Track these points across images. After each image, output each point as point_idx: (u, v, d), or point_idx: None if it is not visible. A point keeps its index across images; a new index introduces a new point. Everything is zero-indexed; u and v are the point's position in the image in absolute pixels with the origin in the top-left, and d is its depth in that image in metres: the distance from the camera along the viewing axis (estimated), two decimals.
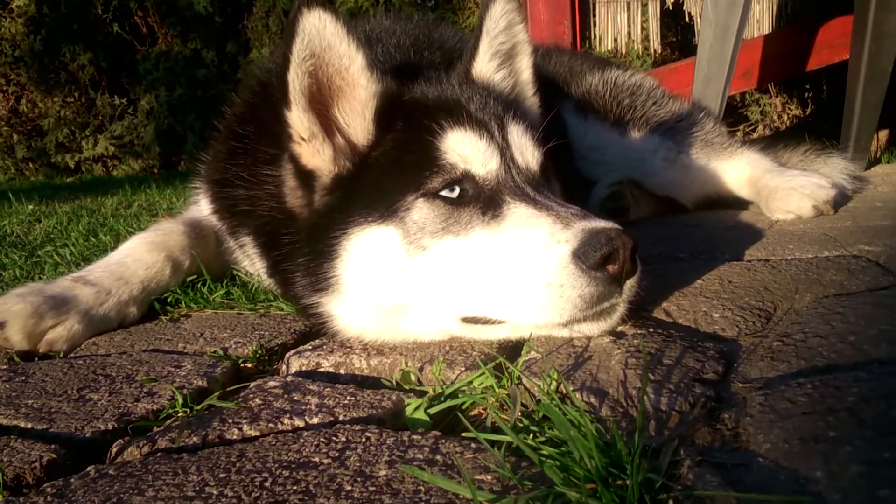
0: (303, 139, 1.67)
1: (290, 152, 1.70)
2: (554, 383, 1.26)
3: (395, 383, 1.49)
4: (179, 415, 1.42)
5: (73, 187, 8.36)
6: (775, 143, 5.80)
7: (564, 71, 3.55)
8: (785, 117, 8.29)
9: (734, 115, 8.05)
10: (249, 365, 1.73)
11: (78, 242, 3.40)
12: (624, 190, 3.19)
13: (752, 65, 5.59)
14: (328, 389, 1.48)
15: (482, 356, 1.55)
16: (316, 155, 1.68)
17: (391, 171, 1.63)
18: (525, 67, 1.97)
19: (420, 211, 1.58)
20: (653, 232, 2.92)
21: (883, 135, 5.81)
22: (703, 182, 3.24)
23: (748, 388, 1.18)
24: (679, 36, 7.56)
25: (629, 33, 7.23)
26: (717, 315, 1.62)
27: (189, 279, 2.31)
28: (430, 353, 1.61)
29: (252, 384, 1.55)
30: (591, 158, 3.28)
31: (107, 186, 7.98)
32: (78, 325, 2.01)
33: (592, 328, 1.49)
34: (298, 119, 1.65)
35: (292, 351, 1.75)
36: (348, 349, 1.70)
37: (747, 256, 2.25)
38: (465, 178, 1.59)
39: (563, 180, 2.93)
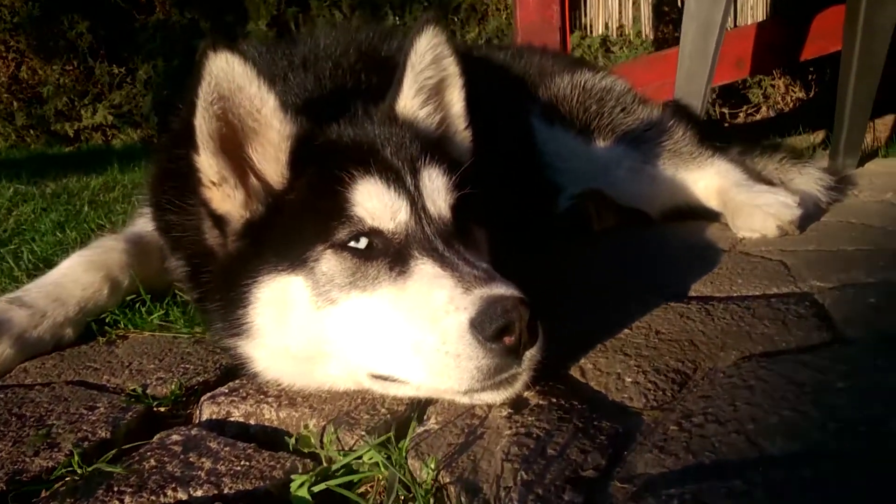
0: (213, 183, 1.64)
1: (200, 196, 1.67)
2: (432, 473, 1.24)
3: (293, 445, 1.48)
4: (67, 480, 1.40)
5: (69, 158, 8.33)
6: (777, 127, 5.71)
7: (534, 72, 3.47)
8: (788, 99, 8.14)
9: (736, 97, 7.92)
10: (163, 409, 1.72)
11: (44, 239, 3.38)
12: (586, 204, 3.14)
13: (745, 53, 5.47)
14: (227, 449, 1.47)
15: (389, 414, 1.54)
16: (227, 200, 1.65)
17: (301, 219, 1.61)
18: (456, 100, 1.91)
19: (328, 262, 1.56)
20: (609, 251, 2.87)
21: (889, 121, 5.68)
22: (670, 193, 3.18)
23: (625, 491, 1.15)
24: (673, 24, 7.41)
25: (620, 18, 7.10)
26: (629, 380, 1.58)
27: (129, 298, 2.30)
28: (339, 406, 1.60)
29: (155, 438, 1.54)
30: (556, 166, 3.22)
31: (101, 159, 7.89)
32: (10, 350, 2.00)
33: (493, 397, 1.46)
34: (207, 164, 1.63)
35: (207, 395, 1.73)
36: (262, 396, 1.69)
37: (692, 291, 2.20)
38: (373, 231, 1.56)
39: (522, 191, 2.91)
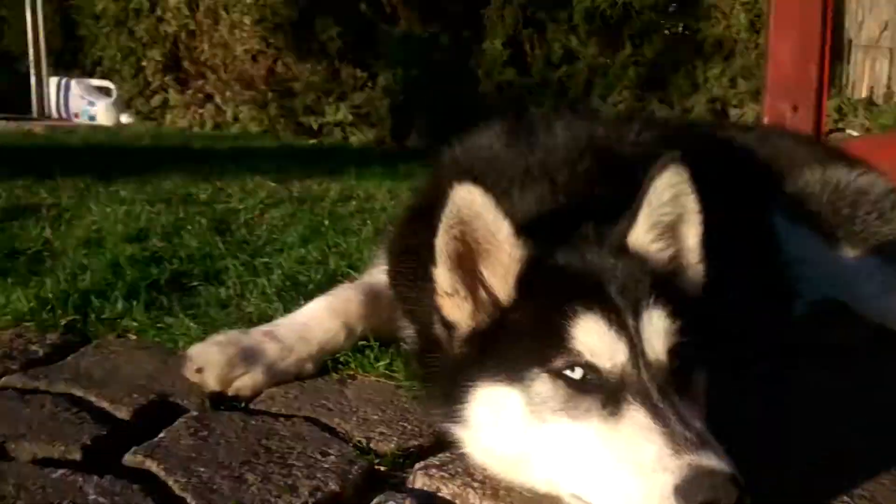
0: (447, 293, 1.85)
1: (435, 302, 1.88)
2: None
3: None
4: None
5: (311, 153, 9.05)
6: None
7: (782, 160, 3.35)
8: None
9: None
10: (383, 468, 1.95)
11: (290, 253, 3.77)
12: (827, 314, 3.01)
13: None
14: None
15: None
16: (456, 309, 1.85)
17: (522, 340, 1.76)
18: (691, 235, 1.96)
19: (544, 385, 1.68)
20: (855, 385, 2.70)
21: None
22: None
23: None
24: None
25: (890, 83, 6.62)
26: None
27: (360, 343, 2.58)
28: None
29: (374, 501, 1.76)
30: (794, 271, 3.11)
31: (340, 157, 8.55)
32: (262, 377, 2.34)
33: None
34: (443, 277, 1.84)
35: (421, 465, 1.92)
36: (469, 479, 1.86)
37: None
38: (590, 366, 1.66)
39: (754, 292, 2.82)
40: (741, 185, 3.12)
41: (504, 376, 1.75)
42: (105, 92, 11.33)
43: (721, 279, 2.49)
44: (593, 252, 1.86)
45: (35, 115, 11.17)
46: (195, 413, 2.16)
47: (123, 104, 11.29)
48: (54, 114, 11.29)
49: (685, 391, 1.69)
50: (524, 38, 10.94)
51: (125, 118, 11.15)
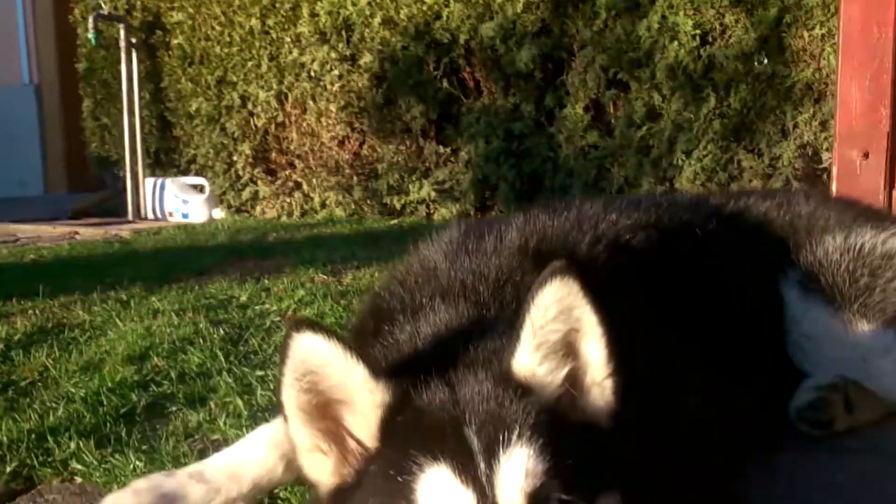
0: (306, 450, 1.69)
1: (297, 460, 1.73)
2: None
3: None
4: None
5: (391, 235, 9.05)
6: None
7: (801, 228, 2.99)
8: None
9: None
10: None
11: None
12: (832, 398, 2.62)
13: None
14: None
15: None
16: (317, 466, 1.68)
17: (375, 499, 1.57)
18: (593, 349, 1.70)
19: None
20: (844, 466, 2.35)
21: None
22: None
23: None
24: None
25: None
26: None
27: None
28: None
29: None
30: (804, 348, 2.76)
31: (420, 232, 8.49)
32: None
33: None
34: (297, 433, 1.68)
35: None
36: None
37: None
38: None
39: (753, 377, 2.51)
40: (746, 262, 2.79)
41: None
42: (199, 189, 11.80)
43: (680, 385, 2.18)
44: (467, 385, 1.62)
45: (131, 217, 11.71)
46: None
47: (216, 199, 11.69)
48: (150, 215, 11.81)
49: None
50: (606, 100, 10.65)
51: (217, 213, 11.54)
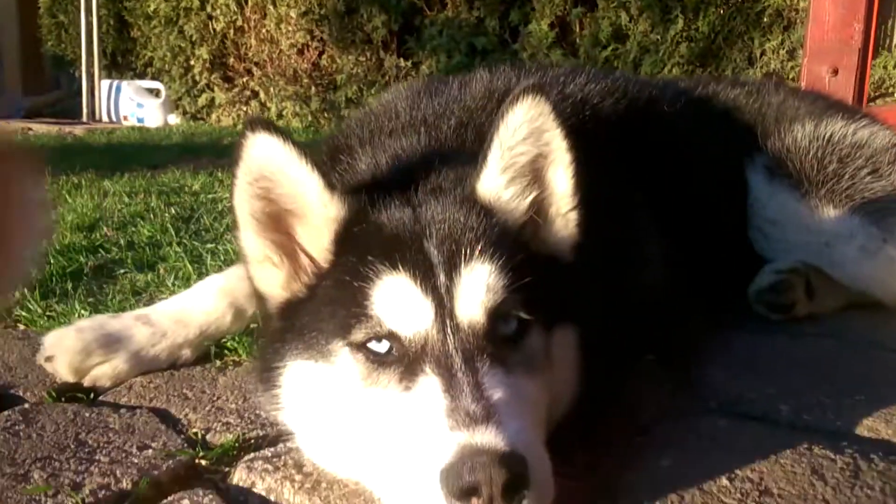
0: (256, 261, 1.61)
1: (247, 271, 1.64)
2: None
3: None
4: None
5: None
6: None
7: (770, 116, 2.95)
8: None
9: None
10: (205, 463, 1.68)
11: None
12: (794, 281, 2.60)
13: None
14: None
15: None
16: (268, 279, 1.61)
17: (328, 310, 1.51)
18: (560, 179, 1.64)
19: (345, 361, 1.45)
20: (784, 346, 2.36)
21: None
22: None
23: None
24: None
25: None
26: None
27: (254, 325, 2.32)
28: None
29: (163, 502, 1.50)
30: (767, 233, 2.72)
31: None
32: (124, 365, 2.11)
33: None
34: (249, 242, 1.60)
35: (250, 456, 1.68)
36: (293, 472, 1.61)
37: (864, 429, 1.74)
38: (392, 336, 1.40)
39: (711, 261, 2.50)
40: (711, 146, 2.76)
41: (312, 352, 1.51)
42: (155, 93, 11.45)
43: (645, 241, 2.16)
44: (429, 204, 1.57)
45: (85, 119, 11.34)
46: (27, 405, 1.94)
47: (172, 105, 11.37)
48: (105, 118, 11.44)
49: (510, 356, 1.40)
50: (573, 17, 10.49)
51: (172, 119, 11.23)
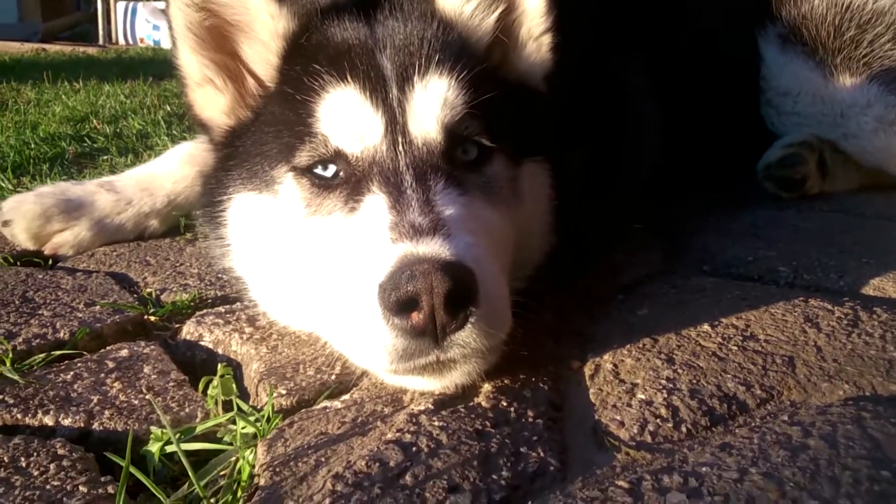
0: (196, 84, 1.45)
1: (186, 99, 1.48)
2: (249, 469, 0.95)
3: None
4: None
5: None
6: None
7: None
8: None
9: None
10: (153, 319, 1.58)
11: None
12: (805, 155, 2.40)
13: None
14: (154, 377, 1.31)
15: (336, 375, 1.27)
16: (210, 103, 1.45)
17: (272, 131, 1.35)
18: None
19: (289, 188, 1.30)
20: (794, 218, 2.20)
21: None
22: None
23: None
24: None
25: None
26: (642, 396, 1.13)
27: None
28: (300, 354, 1.36)
29: (101, 351, 1.41)
30: (779, 106, 2.53)
31: None
32: (86, 233, 2.00)
33: (419, 384, 1.12)
34: (187, 61, 1.43)
35: (201, 312, 1.58)
36: (243, 325, 1.51)
37: (867, 287, 1.59)
38: (338, 155, 1.25)
39: (716, 135, 2.32)
40: (721, 14, 2.55)
41: (256, 182, 1.37)
42: None
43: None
44: (384, 18, 1.39)
45: (101, 42, 11.18)
46: None
47: None
48: (121, 41, 11.26)
49: (469, 177, 1.26)
50: None
51: None
